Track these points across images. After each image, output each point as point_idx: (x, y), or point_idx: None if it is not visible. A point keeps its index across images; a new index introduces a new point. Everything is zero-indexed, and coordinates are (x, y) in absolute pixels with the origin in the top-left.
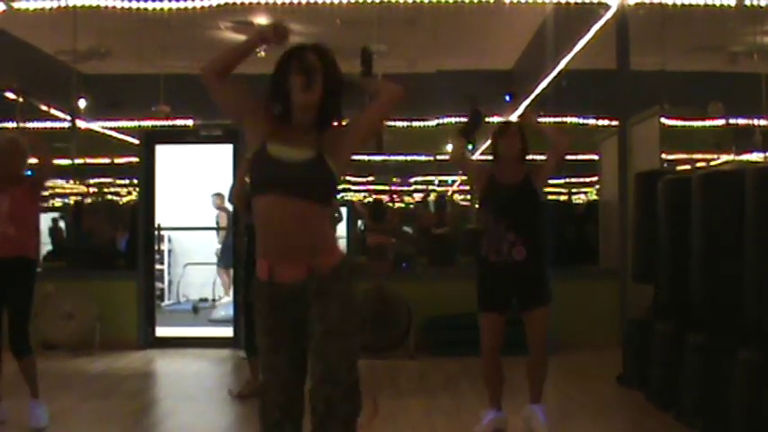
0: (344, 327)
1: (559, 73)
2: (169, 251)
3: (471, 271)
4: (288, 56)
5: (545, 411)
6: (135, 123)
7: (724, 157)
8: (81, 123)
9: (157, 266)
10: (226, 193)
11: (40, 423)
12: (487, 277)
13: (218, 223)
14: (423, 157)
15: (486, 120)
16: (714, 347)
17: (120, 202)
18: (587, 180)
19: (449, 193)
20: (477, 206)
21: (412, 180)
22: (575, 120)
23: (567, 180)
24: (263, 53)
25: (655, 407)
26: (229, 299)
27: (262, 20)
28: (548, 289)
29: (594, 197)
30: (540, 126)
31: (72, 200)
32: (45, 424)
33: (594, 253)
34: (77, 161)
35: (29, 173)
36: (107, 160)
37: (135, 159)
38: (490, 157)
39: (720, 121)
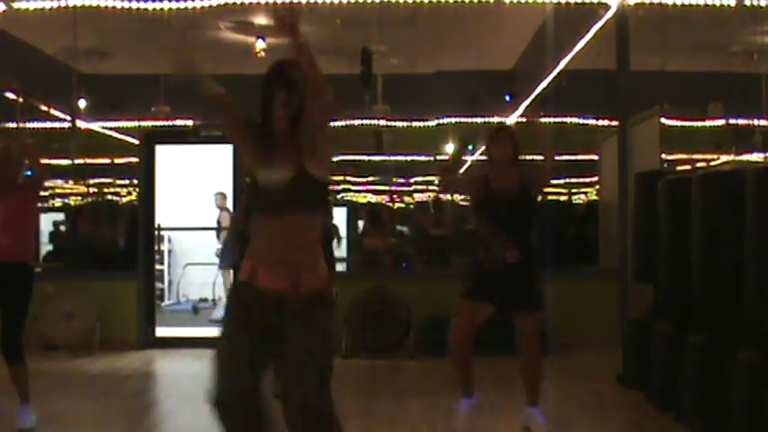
0: (323, 357)
1: (559, 73)
2: (169, 251)
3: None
4: (273, 71)
5: (543, 413)
6: (135, 123)
7: (724, 157)
8: (81, 123)
9: (157, 266)
10: (229, 193)
11: (25, 424)
12: (478, 277)
13: (219, 223)
14: (423, 157)
15: (485, 120)
16: (714, 347)
17: (120, 203)
18: (587, 180)
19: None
20: (472, 210)
21: (412, 180)
22: (575, 120)
23: (567, 180)
24: (262, 53)
25: (655, 407)
26: None
27: (261, 20)
28: (540, 294)
29: (594, 197)
30: (542, 128)
31: (72, 200)
32: (31, 425)
33: (594, 253)
34: (77, 161)
35: (29, 173)
36: (107, 160)
37: (135, 159)
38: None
39: (720, 121)
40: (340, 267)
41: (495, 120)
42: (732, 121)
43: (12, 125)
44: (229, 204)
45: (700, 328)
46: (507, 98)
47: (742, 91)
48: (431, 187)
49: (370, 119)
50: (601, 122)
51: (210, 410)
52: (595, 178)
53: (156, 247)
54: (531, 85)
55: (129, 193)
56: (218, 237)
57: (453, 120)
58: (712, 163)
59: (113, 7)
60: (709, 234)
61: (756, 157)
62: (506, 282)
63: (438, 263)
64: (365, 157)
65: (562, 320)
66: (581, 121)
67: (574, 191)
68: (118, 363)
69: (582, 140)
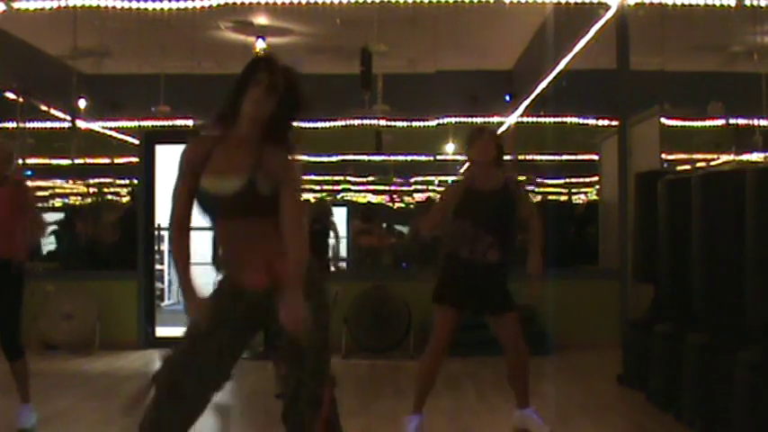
0: (317, 324)
1: (559, 73)
2: (169, 251)
3: None
4: (256, 64)
5: (538, 412)
6: (135, 123)
7: (724, 157)
8: (81, 123)
9: (157, 266)
10: None
11: (26, 424)
12: (454, 273)
13: None
14: (423, 157)
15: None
16: (714, 347)
17: (116, 202)
18: (587, 180)
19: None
20: (454, 209)
21: (412, 180)
22: (575, 120)
23: (567, 180)
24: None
25: (655, 407)
26: None
27: (262, 19)
28: (511, 296)
29: (594, 197)
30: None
31: (72, 200)
32: (32, 425)
33: (594, 253)
34: (77, 161)
35: (30, 172)
36: (107, 160)
37: (135, 159)
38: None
39: (720, 121)
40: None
41: (495, 120)
42: (732, 121)
43: (12, 125)
44: None
45: (700, 328)
46: (507, 98)
47: (742, 91)
48: (431, 187)
49: (370, 119)
50: (601, 122)
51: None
52: (595, 178)
53: (156, 247)
54: (531, 84)
55: (130, 193)
56: None
57: (453, 120)
58: (712, 163)
59: (113, 7)
60: (709, 234)
61: (756, 157)
62: (483, 281)
63: (432, 262)
64: (365, 157)
65: (562, 320)
66: (581, 121)
67: (574, 191)
68: (118, 363)
69: (582, 140)
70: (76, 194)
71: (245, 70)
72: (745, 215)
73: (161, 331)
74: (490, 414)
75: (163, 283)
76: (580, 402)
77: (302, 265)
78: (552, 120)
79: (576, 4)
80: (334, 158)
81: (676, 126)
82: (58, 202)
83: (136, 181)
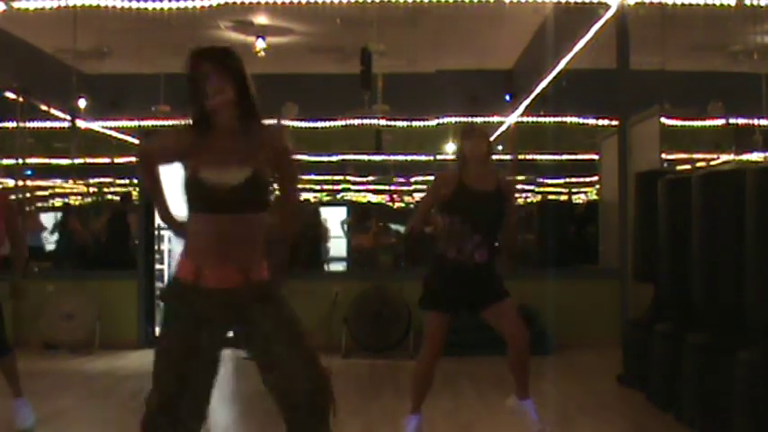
0: (298, 328)
1: (559, 73)
2: (169, 251)
3: None
4: (195, 61)
5: (535, 408)
6: (135, 123)
7: (724, 157)
8: (81, 123)
9: (157, 266)
10: None
11: (26, 423)
12: (443, 275)
13: None
14: (423, 157)
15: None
16: (714, 347)
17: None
18: (587, 180)
19: None
20: (442, 206)
21: (412, 180)
22: (575, 119)
23: (567, 180)
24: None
25: (655, 407)
26: None
27: (262, 19)
28: (503, 285)
29: (594, 197)
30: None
31: (71, 200)
32: (32, 424)
33: (594, 253)
34: (77, 161)
35: (29, 172)
36: (107, 160)
37: (135, 159)
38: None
39: (720, 121)
40: (340, 267)
41: (495, 119)
42: (732, 121)
43: (12, 125)
44: None
45: (700, 328)
46: (507, 98)
47: (742, 91)
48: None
49: (370, 119)
50: (601, 122)
51: (147, 415)
52: (595, 178)
53: (156, 247)
54: (530, 84)
55: (121, 196)
56: None
57: (453, 119)
58: (712, 163)
59: (113, 7)
60: (709, 234)
61: (756, 156)
62: (469, 282)
63: (426, 260)
64: (365, 157)
65: (562, 320)
66: (581, 120)
67: (574, 191)
68: (118, 362)
69: (582, 140)
70: (76, 194)
71: (189, 72)
72: (745, 215)
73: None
74: (489, 413)
75: (163, 282)
76: (580, 402)
77: (296, 224)
78: (552, 119)
79: (575, 3)
80: (334, 158)
81: (676, 126)
82: (57, 202)
83: (135, 180)
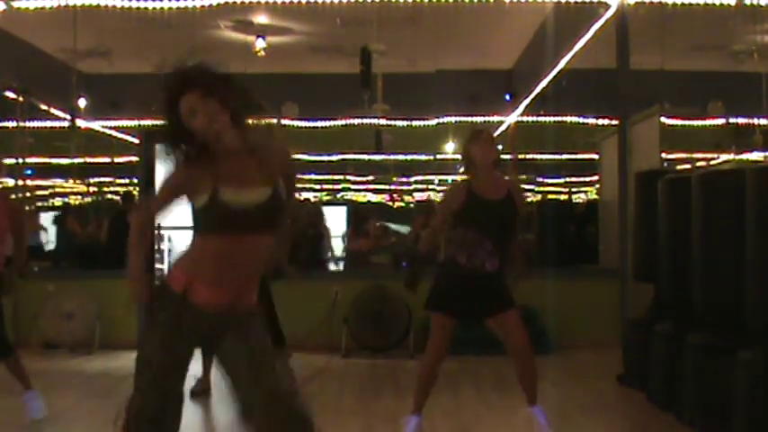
0: (269, 351)
1: (559, 72)
2: (169, 251)
3: None
4: (170, 100)
5: (544, 412)
6: (135, 123)
7: (724, 157)
8: (81, 122)
9: (157, 266)
10: None
11: (37, 414)
12: (452, 280)
13: None
14: (423, 157)
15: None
16: (714, 347)
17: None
18: (587, 180)
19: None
20: (453, 216)
21: (412, 179)
22: (575, 119)
23: (567, 179)
24: (262, 52)
25: (655, 407)
26: None
27: (262, 19)
28: (510, 294)
29: (594, 197)
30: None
31: (72, 199)
32: (42, 415)
33: (594, 253)
34: (77, 160)
35: (29, 171)
36: (107, 159)
37: (135, 158)
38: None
39: (720, 121)
40: (340, 267)
41: (495, 119)
42: (732, 121)
43: (11, 125)
44: None
45: (700, 328)
46: (507, 98)
47: (742, 90)
48: (430, 186)
49: (370, 118)
50: (601, 122)
51: (131, 421)
52: (595, 178)
53: (156, 247)
54: (530, 84)
55: (122, 196)
56: None
57: (453, 119)
58: (712, 163)
59: (113, 7)
60: (709, 234)
61: (756, 156)
62: (481, 289)
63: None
64: (365, 157)
65: (562, 320)
66: (581, 120)
67: (574, 190)
68: (117, 362)
69: (582, 140)
70: (76, 194)
71: (167, 105)
72: (745, 215)
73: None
74: (489, 413)
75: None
76: (580, 402)
77: (296, 224)
78: (552, 119)
79: (576, 3)
80: (334, 158)
81: (676, 125)
82: (57, 202)
83: (135, 180)
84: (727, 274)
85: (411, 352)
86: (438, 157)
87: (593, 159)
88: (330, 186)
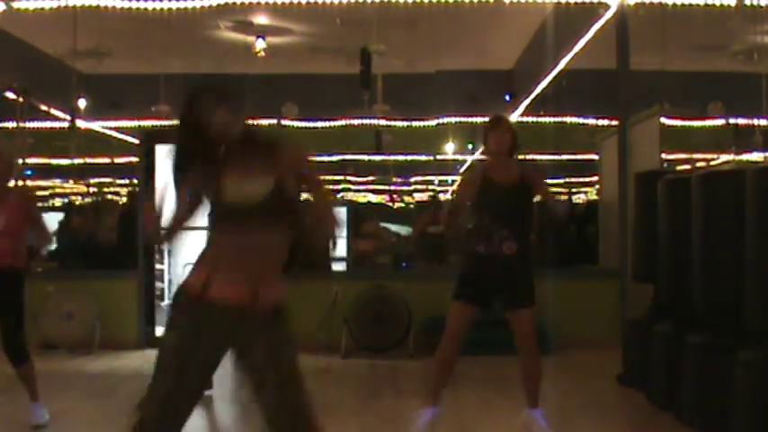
0: (297, 368)
1: (559, 73)
2: (169, 251)
3: None
4: (195, 99)
5: (545, 415)
6: (135, 123)
7: (724, 157)
8: (81, 123)
9: (157, 266)
10: None
11: (40, 420)
12: (473, 268)
13: None
14: (422, 157)
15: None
16: (714, 347)
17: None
18: (587, 180)
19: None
20: (470, 205)
21: (412, 180)
22: (575, 119)
23: (567, 180)
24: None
25: (655, 407)
26: None
27: (262, 19)
28: (533, 291)
29: (594, 197)
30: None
31: (72, 199)
32: (45, 422)
33: (594, 253)
34: (77, 161)
35: (29, 172)
36: (107, 160)
37: (135, 159)
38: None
39: (720, 121)
40: (340, 267)
41: None
42: (732, 121)
43: (12, 125)
44: None
45: (700, 328)
46: (507, 98)
47: (742, 91)
48: (430, 187)
49: (370, 119)
50: (601, 122)
51: (144, 421)
52: (595, 178)
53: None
54: (530, 84)
55: (128, 195)
56: None
57: (453, 119)
58: (712, 163)
59: (113, 7)
60: (709, 234)
61: (756, 156)
62: (502, 275)
63: (434, 260)
64: (365, 157)
65: (562, 320)
66: (581, 120)
67: (574, 191)
68: (118, 363)
69: (582, 140)
70: (76, 194)
71: (186, 113)
72: (745, 215)
73: (161, 331)
74: (489, 413)
75: (163, 282)
76: (580, 402)
77: (330, 224)
78: (552, 119)
79: (575, 3)
80: (334, 158)
81: (676, 126)
82: (57, 202)
83: (135, 180)
84: (727, 274)
85: (411, 352)
86: (438, 157)
87: (593, 160)
88: (330, 187)
